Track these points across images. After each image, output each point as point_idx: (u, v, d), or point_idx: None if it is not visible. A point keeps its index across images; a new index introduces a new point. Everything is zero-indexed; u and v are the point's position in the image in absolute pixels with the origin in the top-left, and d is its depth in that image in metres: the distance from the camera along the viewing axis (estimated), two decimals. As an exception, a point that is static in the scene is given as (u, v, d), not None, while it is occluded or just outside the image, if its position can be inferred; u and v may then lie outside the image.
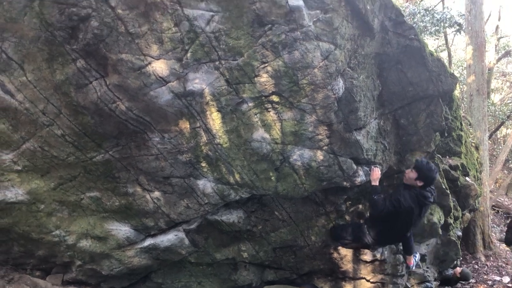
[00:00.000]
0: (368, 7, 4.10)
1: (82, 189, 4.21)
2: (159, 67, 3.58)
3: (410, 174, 4.80)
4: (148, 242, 4.67)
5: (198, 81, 3.73)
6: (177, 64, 3.63)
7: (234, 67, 3.76)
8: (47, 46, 3.43)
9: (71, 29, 3.38)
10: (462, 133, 7.27)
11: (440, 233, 6.60)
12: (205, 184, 4.39)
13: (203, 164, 4.24)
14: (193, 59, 3.65)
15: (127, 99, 3.69)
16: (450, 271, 7.84)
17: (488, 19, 16.70)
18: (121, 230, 4.51)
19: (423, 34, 10.66)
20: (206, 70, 3.73)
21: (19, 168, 3.93)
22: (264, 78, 3.85)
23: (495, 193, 13.23)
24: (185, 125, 3.96)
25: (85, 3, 3.26)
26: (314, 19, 3.73)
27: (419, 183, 4.74)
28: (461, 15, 11.04)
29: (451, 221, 6.98)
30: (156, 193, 4.36)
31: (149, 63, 3.55)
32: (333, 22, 3.80)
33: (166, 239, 4.70)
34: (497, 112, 15.24)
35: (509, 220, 10.51)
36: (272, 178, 4.44)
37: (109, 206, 4.36)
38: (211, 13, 3.53)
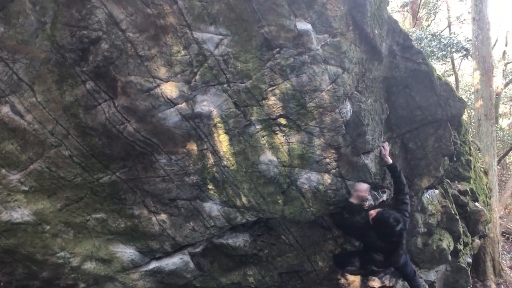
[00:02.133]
0: (376, 32, 4.12)
1: (88, 210, 4.19)
2: (168, 89, 3.60)
3: (370, 220, 4.46)
4: (153, 265, 4.62)
5: (206, 104, 3.74)
6: (186, 87, 3.65)
7: (242, 89, 3.77)
8: (57, 68, 3.47)
9: (81, 51, 3.43)
10: (471, 158, 7.20)
11: (450, 259, 6.47)
12: (212, 207, 4.36)
13: (210, 187, 4.22)
14: (201, 82, 3.67)
15: (135, 120, 3.70)
16: None
17: (495, 44, 16.74)
18: (126, 252, 4.47)
19: (430, 59, 10.70)
20: (214, 93, 3.75)
21: (26, 188, 3.93)
22: (272, 101, 3.85)
23: (505, 219, 13.00)
24: (192, 147, 3.95)
25: (96, 26, 3.31)
26: (322, 43, 3.75)
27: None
28: (468, 40, 11.08)
29: (461, 247, 6.85)
30: (162, 216, 4.33)
31: (158, 85, 3.57)
32: (341, 46, 3.82)
33: (171, 262, 4.65)
34: (505, 137, 15.12)
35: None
36: (279, 201, 4.40)
37: (114, 228, 4.33)
38: (220, 37, 3.56)
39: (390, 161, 4.74)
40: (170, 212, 4.34)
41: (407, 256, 5.16)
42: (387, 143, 4.87)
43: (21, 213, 4.03)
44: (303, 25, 3.62)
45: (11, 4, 3.26)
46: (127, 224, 4.33)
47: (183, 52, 3.53)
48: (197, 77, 3.64)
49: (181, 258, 4.67)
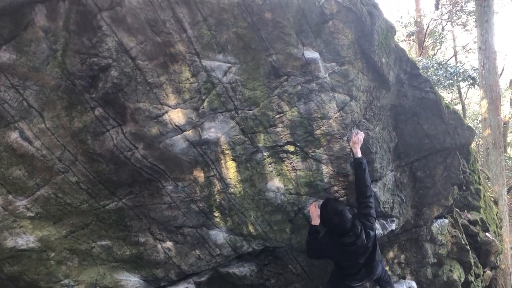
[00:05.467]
0: (384, 60, 4.14)
1: (93, 237, 4.15)
2: (176, 116, 3.61)
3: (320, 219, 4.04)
4: (158, 294, 4.54)
5: (214, 130, 3.74)
6: (194, 113, 3.67)
7: (250, 116, 3.78)
8: (67, 95, 3.50)
9: (91, 78, 3.46)
10: (481, 187, 7.11)
11: (461, 291, 6.32)
12: (218, 235, 4.32)
13: (216, 214, 4.18)
14: (209, 109, 3.69)
15: (143, 147, 3.70)
16: None
17: (501, 73, 16.81)
18: (131, 280, 4.40)
19: (436, 87, 10.74)
20: (222, 120, 3.76)
21: (32, 214, 3.91)
22: (279, 128, 3.85)
23: (517, 250, 12.74)
24: (199, 173, 3.94)
25: (106, 53, 3.35)
26: (330, 71, 3.77)
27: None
28: (474, 70, 11.14)
29: (472, 278, 6.69)
30: (168, 243, 4.28)
31: (166, 112, 3.59)
32: (348, 74, 3.84)
33: (176, 291, 4.57)
34: (514, 166, 15.02)
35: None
36: (287, 229, 4.35)
37: (119, 256, 4.28)
38: (228, 65, 3.59)
39: (359, 154, 4.03)
40: (175, 240, 4.30)
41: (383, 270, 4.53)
42: (362, 133, 4.14)
43: (26, 240, 3.99)
44: (311, 54, 3.65)
45: (24, 32, 3.31)
46: (132, 252, 4.28)
47: (191, 80, 3.56)
48: (205, 104, 3.66)
49: (186, 287, 4.59)
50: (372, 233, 3.96)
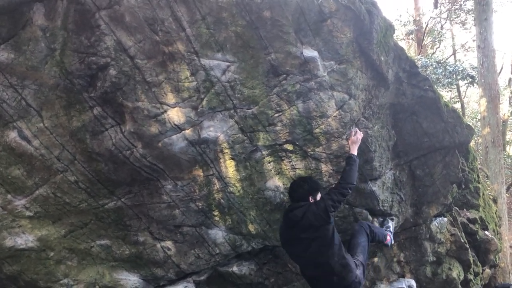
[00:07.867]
0: (383, 59, 4.14)
1: (92, 236, 4.15)
2: (175, 115, 3.61)
3: None
4: (157, 293, 4.54)
5: (213, 129, 3.74)
6: (193, 112, 3.66)
7: (249, 115, 3.77)
8: (65, 94, 3.50)
9: (89, 77, 3.46)
10: (480, 186, 7.12)
11: (460, 289, 6.33)
12: (217, 234, 4.32)
13: (215, 213, 4.18)
14: (208, 108, 3.68)
15: (142, 146, 3.70)
16: None
17: (500, 72, 16.82)
18: (130, 280, 4.40)
19: (435, 86, 10.74)
20: (221, 118, 3.75)
21: (31, 214, 3.90)
22: (278, 127, 3.85)
23: (516, 249, 12.76)
24: (198, 172, 3.94)
25: (104, 52, 3.34)
26: (329, 70, 3.77)
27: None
28: (473, 68, 11.14)
29: (471, 277, 6.70)
30: (167, 242, 4.28)
31: (165, 111, 3.58)
32: (347, 72, 3.83)
33: (176, 290, 4.57)
34: (514, 165, 15.03)
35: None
36: (286, 228, 4.34)
37: (119, 255, 4.28)
38: (227, 63, 3.59)
39: (355, 152, 3.88)
40: (175, 239, 4.30)
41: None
42: (361, 132, 4.05)
43: (25, 239, 3.99)
44: (310, 52, 3.64)
45: (22, 31, 3.31)
46: (131, 251, 4.28)
47: (190, 79, 3.56)
48: (204, 103, 3.65)
49: (185, 286, 4.59)
50: (315, 222, 3.61)
